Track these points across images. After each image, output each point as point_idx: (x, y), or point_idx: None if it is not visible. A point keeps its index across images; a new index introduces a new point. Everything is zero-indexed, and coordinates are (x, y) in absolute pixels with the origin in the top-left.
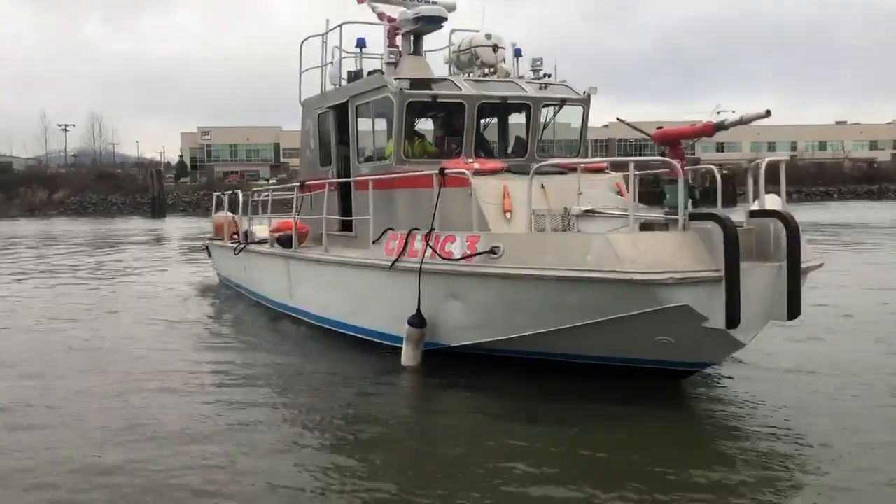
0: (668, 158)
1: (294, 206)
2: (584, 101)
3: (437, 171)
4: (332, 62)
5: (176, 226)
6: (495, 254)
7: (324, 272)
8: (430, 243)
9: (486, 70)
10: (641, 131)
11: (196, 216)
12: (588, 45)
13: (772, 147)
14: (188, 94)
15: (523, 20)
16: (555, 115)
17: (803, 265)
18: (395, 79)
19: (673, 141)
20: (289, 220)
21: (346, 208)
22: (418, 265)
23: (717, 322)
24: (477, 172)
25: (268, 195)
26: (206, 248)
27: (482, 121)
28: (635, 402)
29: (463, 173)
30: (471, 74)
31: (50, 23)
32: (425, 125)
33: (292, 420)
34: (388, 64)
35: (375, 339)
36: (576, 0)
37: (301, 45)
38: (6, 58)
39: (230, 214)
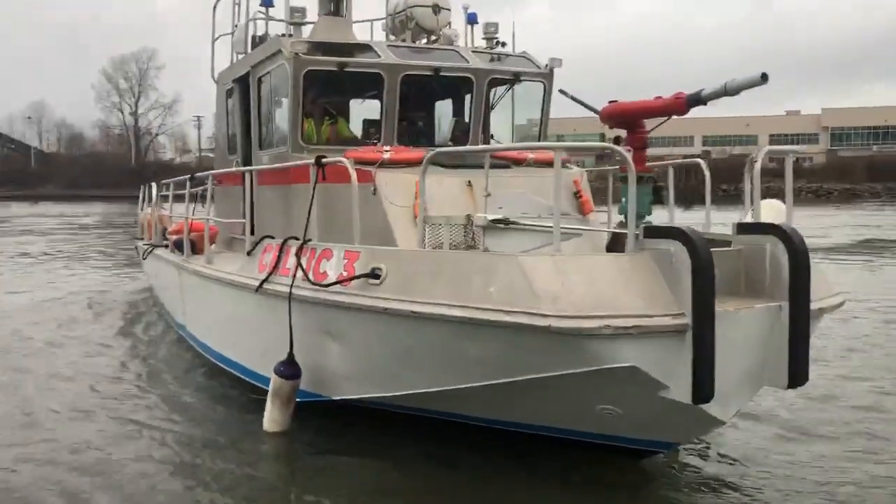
0: (610, 145)
1: (186, 201)
2: (545, 77)
3: (312, 161)
4: (236, 25)
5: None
6: (376, 278)
7: (203, 287)
8: (302, 260)
9: (427, 38)
10: (588, 107)
11: None
12: None
13: None
14: None
15: None
16: (505, 92)
17: (814, 305)
18: (292, 41)
19: (630, 120)
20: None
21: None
22: (288, 289)
23: (681, 393)
24: (384, 164)
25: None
26: (136, 248)
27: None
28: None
29: (340, 162)
30: (405, 42)
31: None
32: (367, 105)
33: None
34: (295, 25)
35: (246, 378)
36: None
37: (214, 8)
38: None
39: (160, 209)
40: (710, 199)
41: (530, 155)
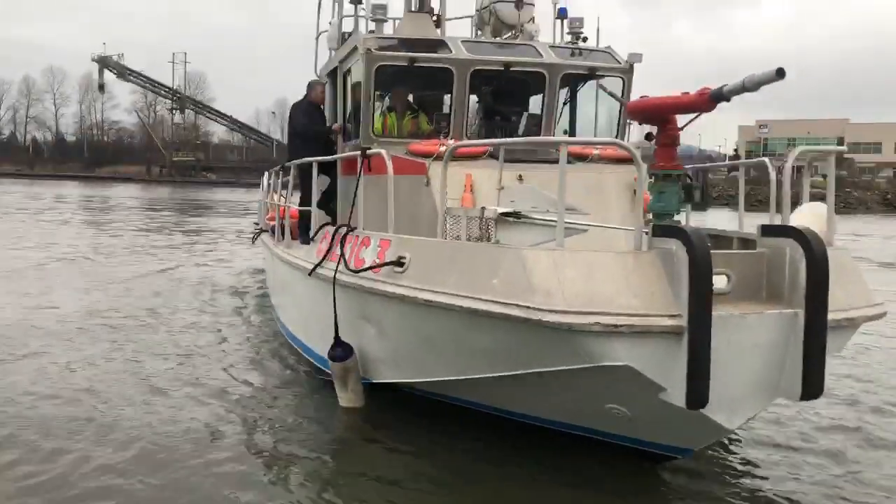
0: (617, 140)
1: (279, 189)
2: (625, 72)
3: (359, 153)
4: (330, 22)
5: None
6: (401, 266)
7: (280, 271)
8: (347, 247)
9: (510, 33)
10: (621, 101)
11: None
12: None
13: None
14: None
15: None
16: (578, 88)
17: (839, 314)
18: (365, 38)
19: (657, 116)
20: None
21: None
22: (332, 275)
23: (677, 396)
24: (440, 157)
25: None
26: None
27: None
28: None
29: (379, 154)
30: (482, 37)
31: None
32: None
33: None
34: (377, 21)
35: (311, 359)
36: None
37: (319, 4)
38: None
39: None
40: (774, 201)
41: (595, 151)
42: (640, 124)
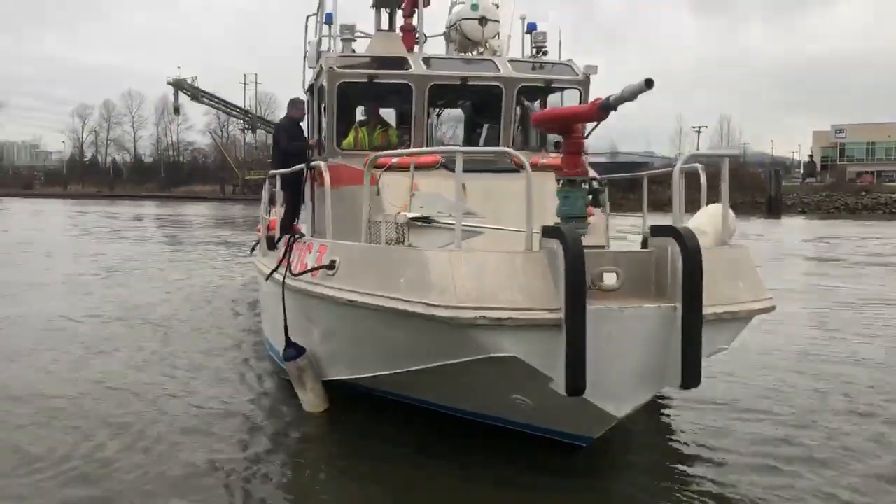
0: (507, 149)
1: (264, 200)
2: (581, 84)
3: (305, 166)
4: (310, 42)
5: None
6: (332, 269)
7: (258, 279)
8: (295, 253)
9: (478, 49)
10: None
11: (817, 217)
12: None
13: None
14: (833, 90)
15: None
16: (533, 101)
17: (721, 308)
18: (327, 56)
19: (560, 125)
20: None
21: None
22: (282, 279)
23: (560, 385)
24: (392, 167)
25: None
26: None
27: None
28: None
29: (318, 165)
30: (456, 53)
31: (711, 30)
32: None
33: None
34: (346, 41)
35: (278, 362)
36: None
37: (306, 21)
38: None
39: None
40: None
41: (542, 160)
42: (546, 134)
